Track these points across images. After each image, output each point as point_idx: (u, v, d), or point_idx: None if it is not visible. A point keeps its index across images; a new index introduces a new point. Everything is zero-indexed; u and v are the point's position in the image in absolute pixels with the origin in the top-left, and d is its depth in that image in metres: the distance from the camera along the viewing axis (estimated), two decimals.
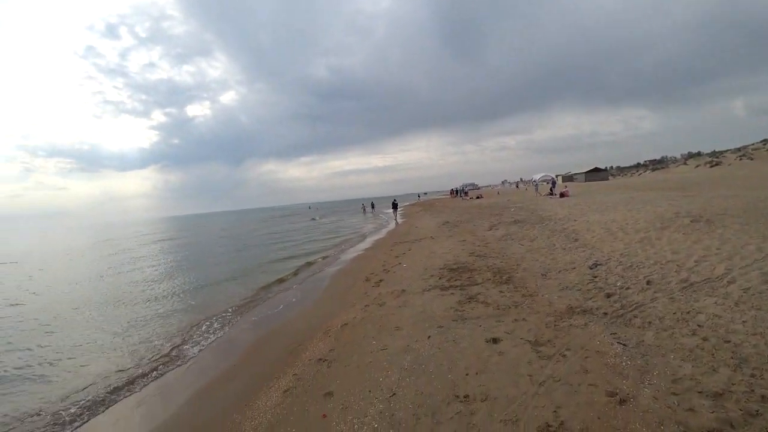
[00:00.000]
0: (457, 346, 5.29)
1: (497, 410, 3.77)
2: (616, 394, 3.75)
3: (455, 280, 8.89)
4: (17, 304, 13.91)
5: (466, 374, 4.51)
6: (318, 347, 6.71)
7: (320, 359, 6.07)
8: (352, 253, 18.49)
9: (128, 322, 10.42)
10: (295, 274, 14.95)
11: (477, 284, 8.31)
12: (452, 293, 7.90)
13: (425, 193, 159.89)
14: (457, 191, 73.72)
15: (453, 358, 4.96)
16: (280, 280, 13.99)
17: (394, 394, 4.40)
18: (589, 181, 67.78)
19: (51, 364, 7.98)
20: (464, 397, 4.08)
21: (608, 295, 6.40)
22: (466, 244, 13.54)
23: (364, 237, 25.66)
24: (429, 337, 5.82)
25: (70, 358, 8.21)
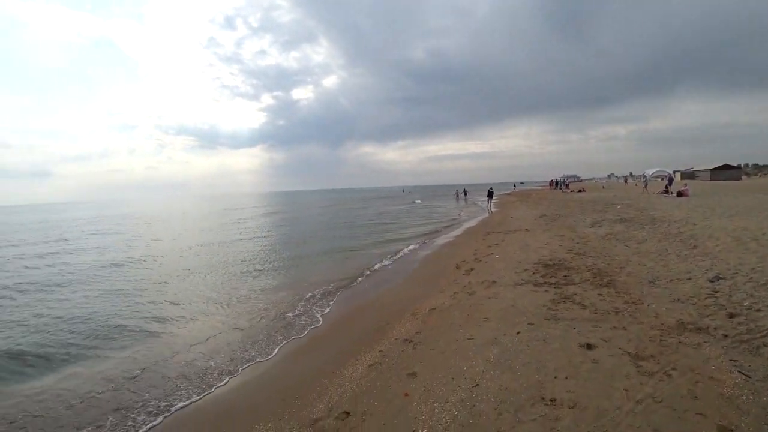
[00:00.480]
0: (548, 347, 5.05)
1: (585, 421, 3.55)
2: (732, 430, 3.29)
3: (550, 277, 8.40)
4: (140, 261, 16.50)
5: (555, 377, 4.30)
6: (405, 328, 6.91)
7: (406, 340, 6.25)
8: (443, 239, 18.46)
9: (233, 289, 11.79)
10: (389, 255, 15.37)
11: (574, 284, 7.76)
12: (546, 290, 7.50)
13: (521, 183, 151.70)
14: (556, 183, 69.03)
15: (542, 358, 4.76)
16: (376, 260, 14.53)
17: (477, 384, 4.38)
18: (716, 180, 57.89)
19: (168, 320, 9.42)
20: (550, 400, 3.91)
21: (731, 315, 5.52)
22: (564, 240, 12.66)
23: (456, 223, 25.39)
24: (518, 332, 5.63)
25: (181, 317, 9.60)
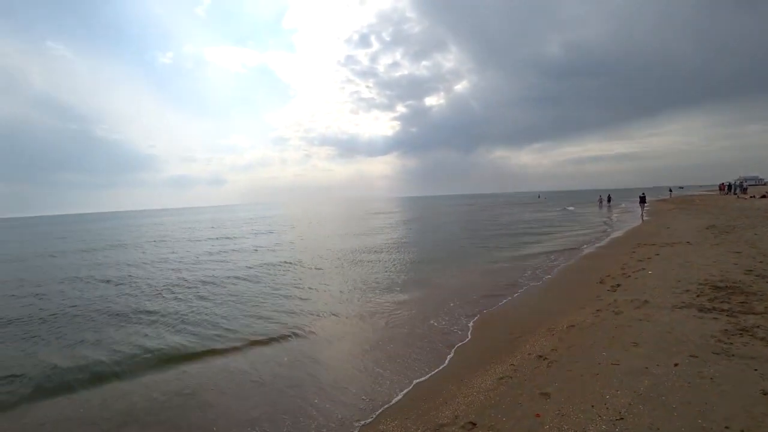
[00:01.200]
0: (716, 388, 4.24)
1: None
2: None
3: (721, 302, 6.98)
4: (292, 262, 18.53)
5: (726, 427, 3.61)
6: (540, 343, 6.53)
7: (540, 356, 5.90)
8: (585, 249, 16.74)
9: (378, 297, 12.54)
10: (526, 265, 14.60)
11: (755, 313, 6.31)
12: (715, 318, 6.27)
13: (680, 187, 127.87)
14: (729, 186, 56.49)
15: (708, 401, 4.02)
16: (511, 269, 13.99)
17: (622, 418, 3.93)
18: None
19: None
20: None
21: None
22: (740, 258, 10.33)
23: (599, 233, 22.78)
24: (676, 364, 4.85)
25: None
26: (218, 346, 7.93)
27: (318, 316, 9.55)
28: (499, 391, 5.04)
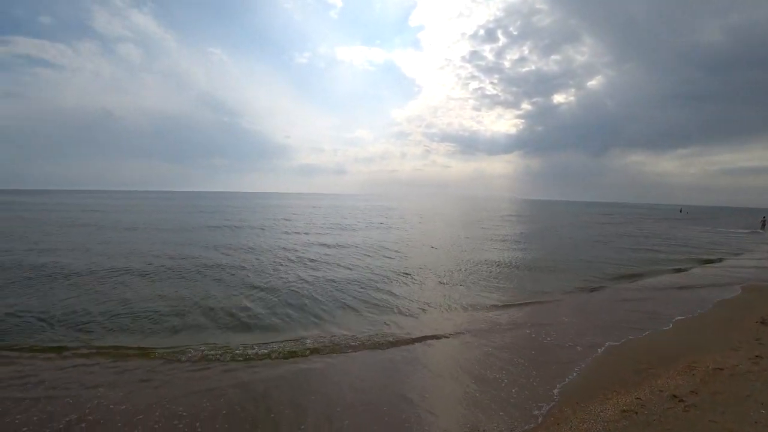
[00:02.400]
0: None
1: None
2: None
3: None
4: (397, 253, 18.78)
5: None
6: (674, 380, 5.70)
7: (675, 396, 5.16)
8: (742, 281, 13.74)
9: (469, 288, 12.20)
10: (665, 288, 12.80)
11: None
12: None
13: None
14: None
15: None
16: (650, 290, 12.39)
17: None
18: None
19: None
20: None
21: None
22: None
23: (761, 261, 18.64)
24: None
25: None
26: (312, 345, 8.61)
27: (434, 329, 9.61)
28: (621, 425, 4.56)
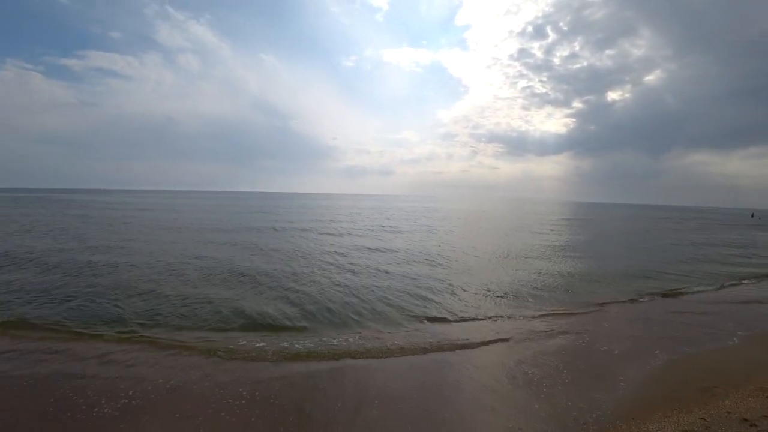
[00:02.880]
0: None
1: None
2: None
3: None
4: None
5: None
6: (746, 403, 5.20)
7: (746, 420, 4.70)
8: None
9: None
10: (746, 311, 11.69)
11: None
12: None
13: None
14: None
15: None
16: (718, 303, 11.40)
17: None
18: None
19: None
20: None
21: None
22: None
23: None
24: None
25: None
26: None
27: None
28: None
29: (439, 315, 9.33)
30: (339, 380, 5.99)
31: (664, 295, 11.93)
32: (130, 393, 5.41)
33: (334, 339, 7.74)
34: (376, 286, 11.65)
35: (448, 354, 7.13)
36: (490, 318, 9.26)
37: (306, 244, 19.99)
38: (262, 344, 7.29)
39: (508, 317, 9.33)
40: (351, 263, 15.15)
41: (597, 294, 11.76)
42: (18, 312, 8.62)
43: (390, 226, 31.28)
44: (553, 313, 9.71)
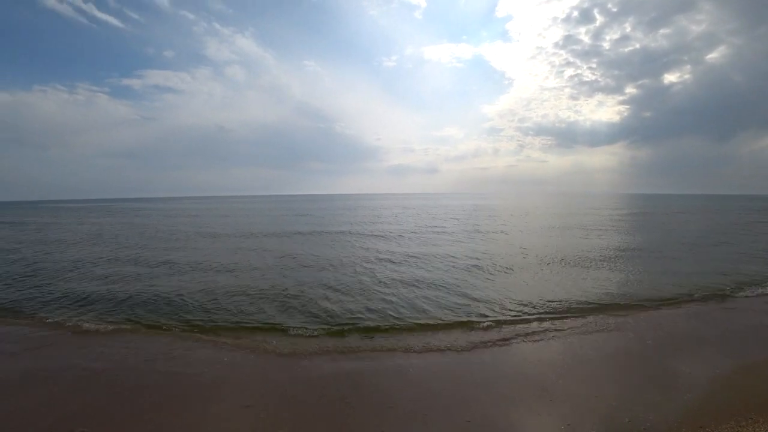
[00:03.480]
0: None
1: None
2: None
3: None
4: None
5: None
6: None
7: None
8: None
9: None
10: None
11: None
12: None
13: None
14: None
15: None
16: None
17: None
18: None
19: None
20: None
21: None
22: None
23: None
24: None
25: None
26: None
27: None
28: None
29: (485, 313, 9.09)
30: (383, 373, 6.09)
31: (730, 295, 10.78)
32: (196, 379, 5.89)
33: (378, 335, 7.87)
34: (418, 282, 11.61)
35: (494, 350, 6.95)
36: (539, 315, 8.86)
37: (344, 246, 20.16)
38: (310, 338, 7.70)
39: (559, 315, 8.87)
40: (391, 260, 15.16)
41: (658, 291, 10.91)
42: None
43: (435, 226, 30.67)
44: (607, 311, 9.12)
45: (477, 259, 15.70)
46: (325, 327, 8.27)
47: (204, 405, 5.13)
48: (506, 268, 14.01)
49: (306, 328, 8.12)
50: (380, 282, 11.83)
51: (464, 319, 8.73)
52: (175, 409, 5.02)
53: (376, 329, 8.16)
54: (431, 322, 8.54)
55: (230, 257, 16.11)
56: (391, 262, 15.03)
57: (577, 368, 6.16)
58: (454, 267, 14.11)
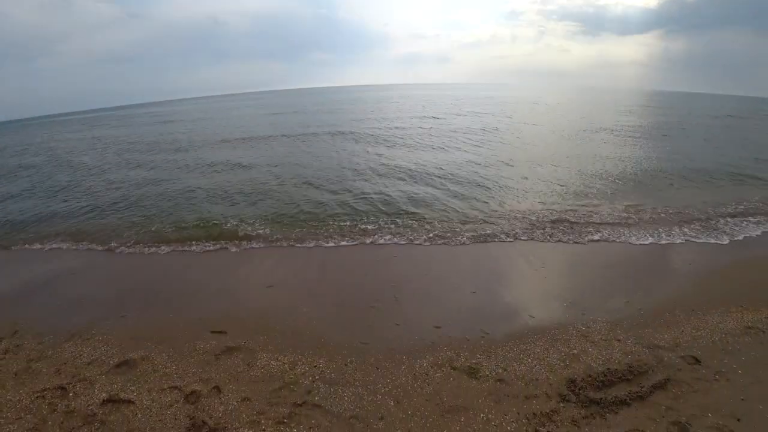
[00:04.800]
0: None
1: None
2: None
3: None
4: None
5: None
6: None
7: None
8: None
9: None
10: None
11: None
12: None
13: None
14: None
15: None
16: None
17: None
18: None
19: None
20: None
21: None
22: None
23: None
24: None
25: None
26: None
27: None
28: (743, 341, 4.20)
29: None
30: (385, 260, 6.72)
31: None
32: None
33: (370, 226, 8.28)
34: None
35: (497, 244, 7.40)
36: (552, 209, 9.15)
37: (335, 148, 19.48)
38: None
39: (570, 207, 9.10)
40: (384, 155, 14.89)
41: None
42: None
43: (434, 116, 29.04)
44: (616, 203, 9.34)
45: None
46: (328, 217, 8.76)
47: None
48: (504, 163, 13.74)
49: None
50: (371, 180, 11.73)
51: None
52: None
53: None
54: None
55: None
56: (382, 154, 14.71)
57: (581, 259, 6.61)
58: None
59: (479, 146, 16.90)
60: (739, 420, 3.17)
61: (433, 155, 14.96)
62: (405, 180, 11.57)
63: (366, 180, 11.64)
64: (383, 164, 13.50)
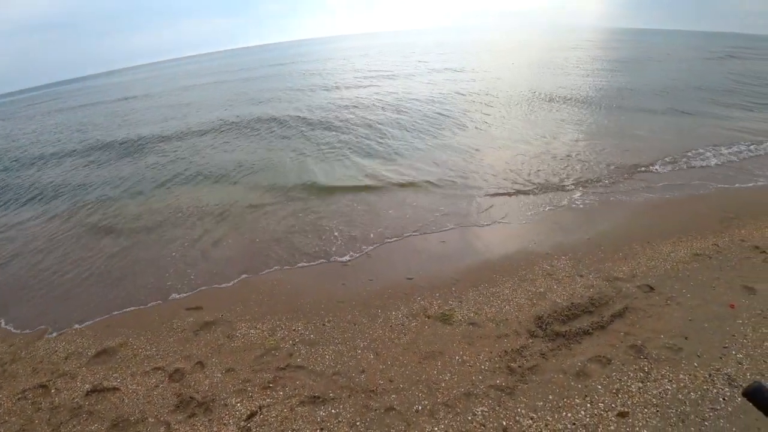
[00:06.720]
0: None
1: None
2: None
3: None
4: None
5: None
6: (761, 233, 5.32)
7: (758, 247, 4.84)
8: None
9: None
10: None
11: None
12: None
13: None
14: None
15: None
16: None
17: None
18: None
19: None
20: None
21: None
22: None
23: None
24: None
25: None
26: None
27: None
28: (692, 267, 4.53)
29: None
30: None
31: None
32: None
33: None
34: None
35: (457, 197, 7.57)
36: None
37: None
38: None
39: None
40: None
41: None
42: None
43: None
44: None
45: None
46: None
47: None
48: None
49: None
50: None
51: None
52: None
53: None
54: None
55: None
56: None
57: (543, 202, 6.87)
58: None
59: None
60: (686, 338, 3.47)
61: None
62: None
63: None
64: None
